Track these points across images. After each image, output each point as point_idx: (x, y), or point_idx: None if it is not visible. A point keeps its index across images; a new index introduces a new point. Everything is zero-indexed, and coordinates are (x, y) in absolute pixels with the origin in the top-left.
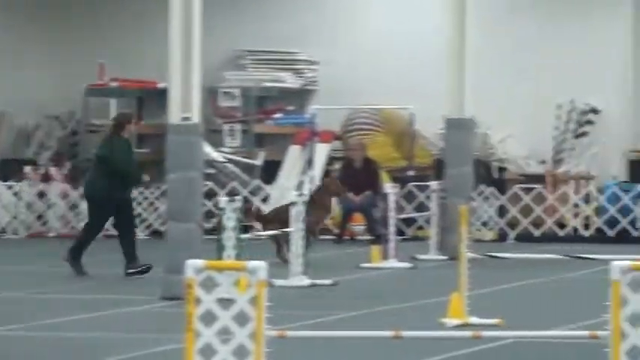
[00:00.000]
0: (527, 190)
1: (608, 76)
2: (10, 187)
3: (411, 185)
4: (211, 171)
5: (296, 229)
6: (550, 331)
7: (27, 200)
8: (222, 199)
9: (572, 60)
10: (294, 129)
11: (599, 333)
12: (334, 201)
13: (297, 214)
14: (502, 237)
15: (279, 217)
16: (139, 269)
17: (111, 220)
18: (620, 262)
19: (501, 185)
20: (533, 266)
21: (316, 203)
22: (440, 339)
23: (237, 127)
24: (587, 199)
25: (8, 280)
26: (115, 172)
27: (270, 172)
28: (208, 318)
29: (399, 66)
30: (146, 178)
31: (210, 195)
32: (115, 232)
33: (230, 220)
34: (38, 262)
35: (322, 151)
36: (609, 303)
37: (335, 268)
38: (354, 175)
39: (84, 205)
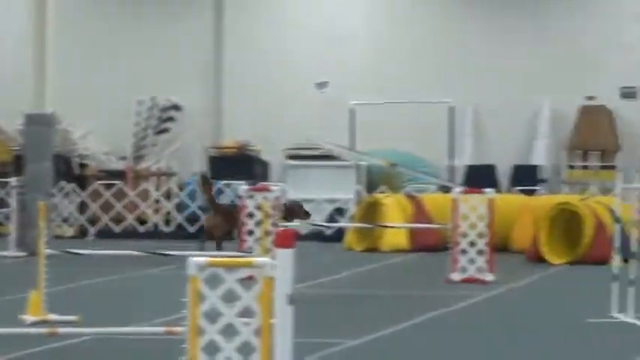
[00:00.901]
0: (108, 187)
1: (190, 73)
2: None
3: None
4: None
5: None
6: (129, 327)
7: None
8: None
9: (154, 57)
10: None
11: (177, 329)
12: None
13: None
14: (83, 233)
15: None
16: None
17: None
18: (197, 258)
19: (82, 181)
20: (115, 263)
21: None
22: (17, 336)
23: None
24: (167, 196)
25: None
26: None
27: None
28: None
29: None
30: None
31: None
32: None
33: None
34: None
35: None
36: (187, 299)
37: None
38: None
39: None
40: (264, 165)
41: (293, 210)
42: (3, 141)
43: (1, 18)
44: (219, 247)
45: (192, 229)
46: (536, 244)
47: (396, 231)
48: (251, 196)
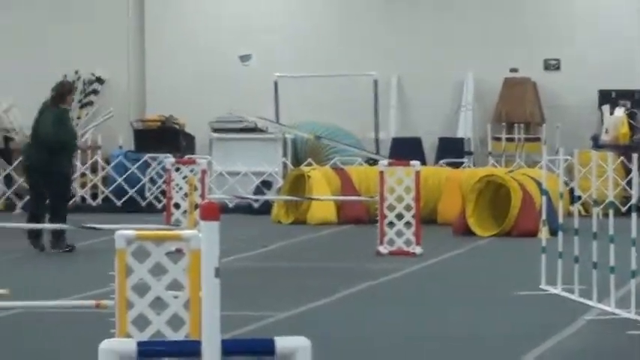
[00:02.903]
0: None
1: (113, 47)
2: None
3: None
4: None
5: None
6: (58, 300)
7: None
8: None
9: (76, 30)
10: None
11: (106, 302)
12: None
13: None
14: (10, 207)
15: None
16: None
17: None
18: (125, 231)
19: (8, 155)
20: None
21: None
22: None
23: None
24: (94, 169)
25: None
26: (59, 144)
27: None
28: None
29: None
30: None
31: None
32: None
33: None
34: None
35: None
36: (115, 273)
37: None
38: None
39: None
40: (190, 138)
41: None
42: None
43: None
44: None
45: (119, 203)
46: (463, 217)
47: (323, 204)
48: (177, 169)
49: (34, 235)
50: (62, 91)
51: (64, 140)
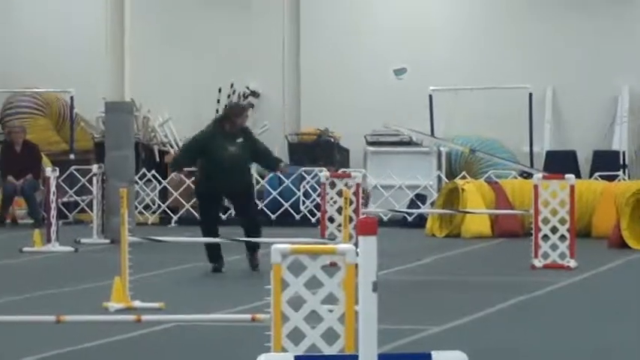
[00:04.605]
0: (189, 174)
1: (268, 61)
2: None
3: (72, 169)
4: None
5: None
6: (213, 314)
7: None
8: None
9: (232, 44)
10: None
11: (261, 316)
12: None
13: None
14: (164, 220)
15: None
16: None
17: None
18: (280, 245)
19: (163, 168)
20: (197, 250)
21: None
22: (102, 323)
23: None
24: None
25: None
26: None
27: None
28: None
29: (58, 49)
30: None
31: None
32: None
33: None
34: None
35: None
36: (270, 286)
37: None
38: (15, 159)
39: None
40: (344, 151)
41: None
42: (84, 129)
43: (78, 6)
44: None
45: (273, 217)
46: (618, 230)
47: (478, 217)
48: (332, 183)
49: (216, 257)
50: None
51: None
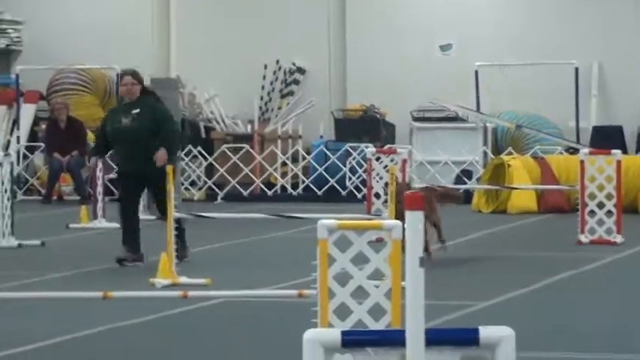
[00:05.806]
0: (235, 150)
1: (313, 36)
2: None
3: None
4: None
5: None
6: (259, 290)
7: None
8: None
9: (277, 20)
10: None
11: (307, 292)
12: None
13: (3, 173)
14: (211, 197)
15: None
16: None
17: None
18: (326, 220)
19: (209, 145)
20: (243, 226)
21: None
22: (149, 299)
23: None
24: (294, 159)
25: None
26: None
27: None
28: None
29: (104, 25)
30: None
31: None
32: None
33: None
34: None
35: (28, 112)
36: (317, 262)
37: (43, 229)
38: (60, 135)
39: None
40: (391, 127)
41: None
42: None
43: None
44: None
45: (319, 192)
46: None
47: (524, 193)
48: (378, 159)
49: (129, 241)
50: None
51: None
